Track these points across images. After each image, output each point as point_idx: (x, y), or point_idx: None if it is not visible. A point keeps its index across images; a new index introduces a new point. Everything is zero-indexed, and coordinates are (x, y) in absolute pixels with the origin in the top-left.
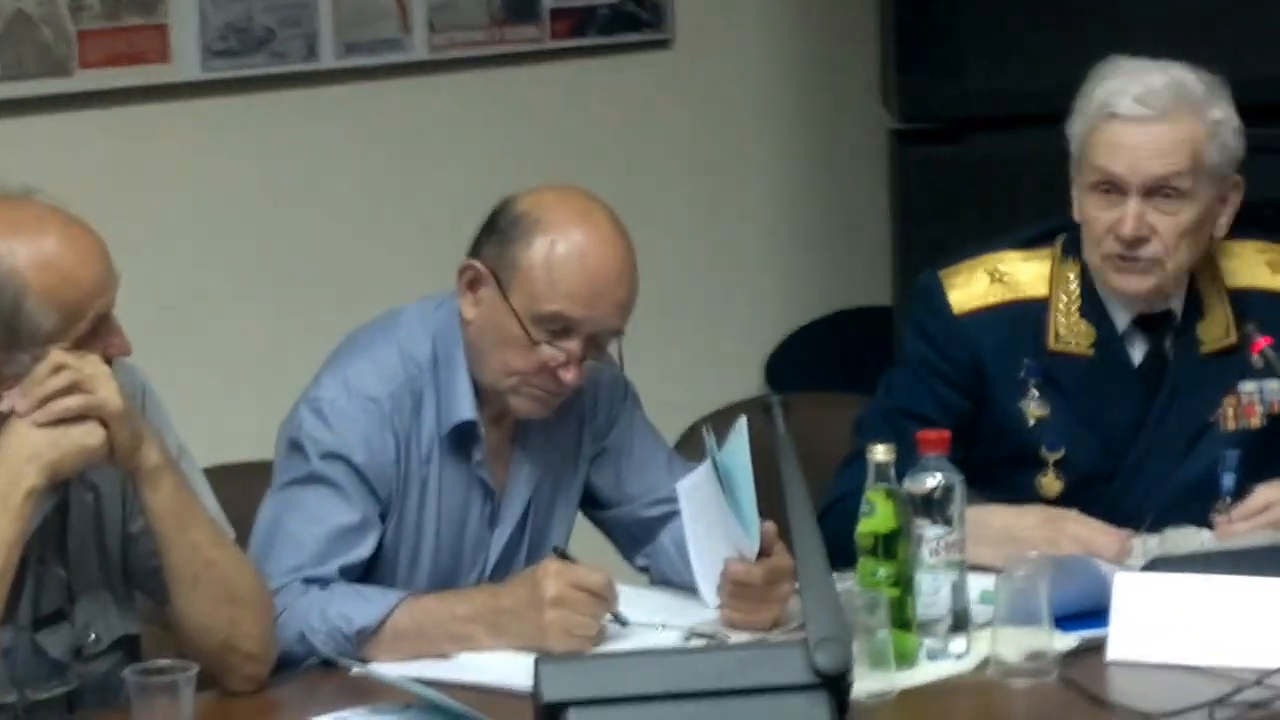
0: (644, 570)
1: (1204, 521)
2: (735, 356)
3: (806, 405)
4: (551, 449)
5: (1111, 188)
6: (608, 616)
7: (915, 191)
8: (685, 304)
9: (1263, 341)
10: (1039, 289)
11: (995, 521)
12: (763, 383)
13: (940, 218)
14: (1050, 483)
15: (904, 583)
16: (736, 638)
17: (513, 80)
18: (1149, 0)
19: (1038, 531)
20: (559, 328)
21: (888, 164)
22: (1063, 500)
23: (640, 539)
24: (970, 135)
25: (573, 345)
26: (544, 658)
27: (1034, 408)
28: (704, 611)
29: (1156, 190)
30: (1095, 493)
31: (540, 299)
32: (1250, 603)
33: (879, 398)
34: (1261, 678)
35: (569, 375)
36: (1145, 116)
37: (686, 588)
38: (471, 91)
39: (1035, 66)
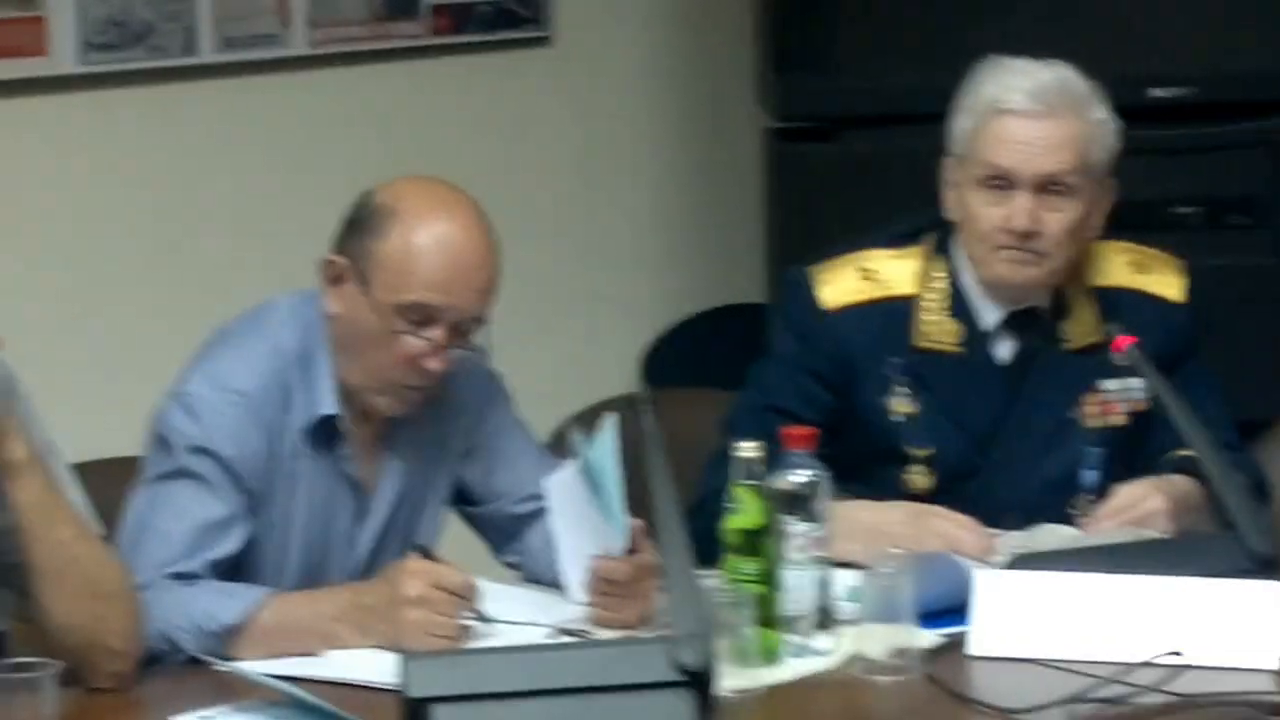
0: (513, 567)
1: (1068, 517)
2: (610, 353)
3: (681, 402)
4: (421, 445)
5: (1002, 183)
6: (470, 615)
7: (791, 189)
8: (560, 300)
9: (1125, 340)
10: (907, 286)
11: (861, 517)
12: (638, 379)
13: (815, 215)
14: (918, 479)
15: (770, 579)
16: (604, 635)
17: (393, 76)
18: (1020, 2)
19: (903, 528)
20: (421, 317)
21: (763, 162)
22: (931, 496)
23: (510, 536)
24: (845, 134)
25: (436, 334)
26: (411, 654)
27: (902, 404)
28: (572, 609)
29: (1045, 186)
30: (962, 488)
31: (400, 289)
32: (1111, 600)
33: (747, 393)
34: (1120, 674)
35: (433, 364)
36: (1036, 112)
37: (555, 585)
38: (352, 87)
39: (910, 65)
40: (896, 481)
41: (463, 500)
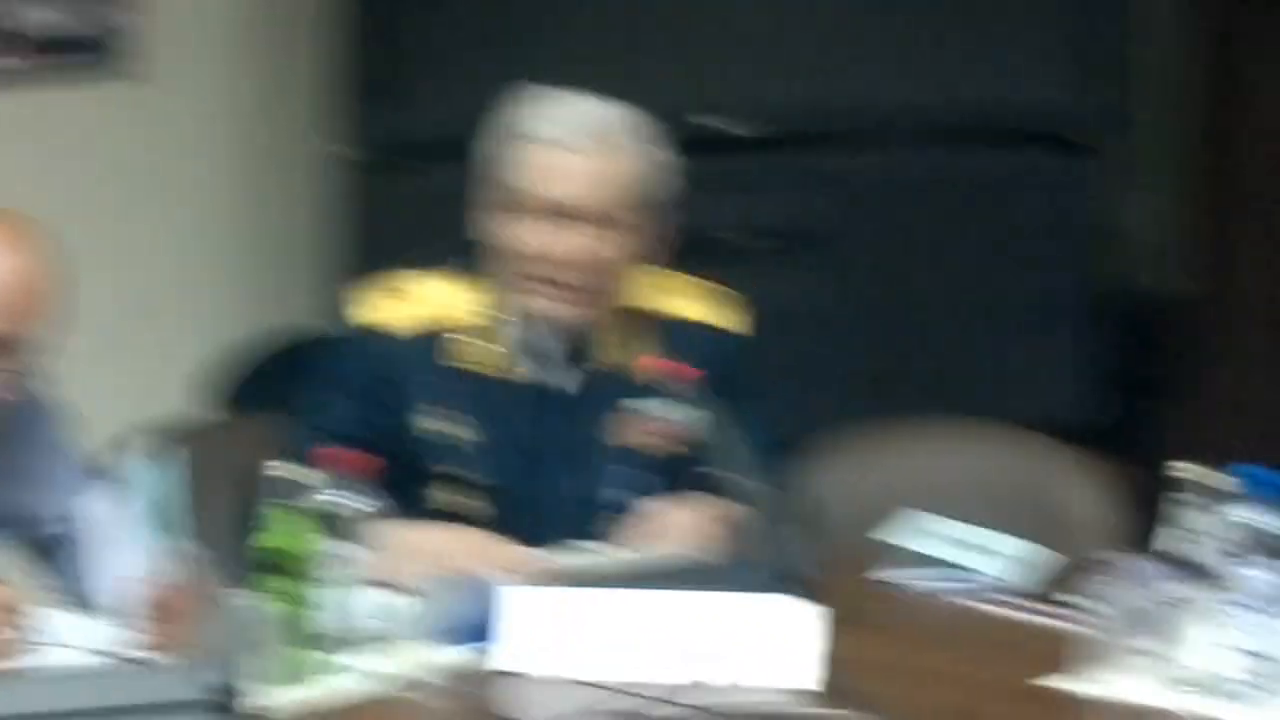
0: (56, 589)
1: (606, 537)
2: (172, 376)
3: (240, 425)
4: None
5: (539, 214)
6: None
7: (354, 218)
8: (122, 322)
9: (666, 364)
10: (451, 310)
11: (400, 537)
12: (200, 403)
13: (385, 242)
14: (460, 501)
15: (306, 599)
16: (145, 657)
17: None
18: (576, 33)
19: (442, 547)
20: None
21: (330, 191)
22: (473, 519)
23: (53, 557)
24: (408, 164)
25: None
26: None
27: (443, 427)
28: (110, 631)
29: (582, 218)
30: (503, 510)
31: None
32: (643, 617)
33: (298, 416)
34: (650, 691)
35: None
36: (575, 146)
37: (94, 607)
38: None
39: (480, 98)
40: (437, 503)
41: (7, 522)
